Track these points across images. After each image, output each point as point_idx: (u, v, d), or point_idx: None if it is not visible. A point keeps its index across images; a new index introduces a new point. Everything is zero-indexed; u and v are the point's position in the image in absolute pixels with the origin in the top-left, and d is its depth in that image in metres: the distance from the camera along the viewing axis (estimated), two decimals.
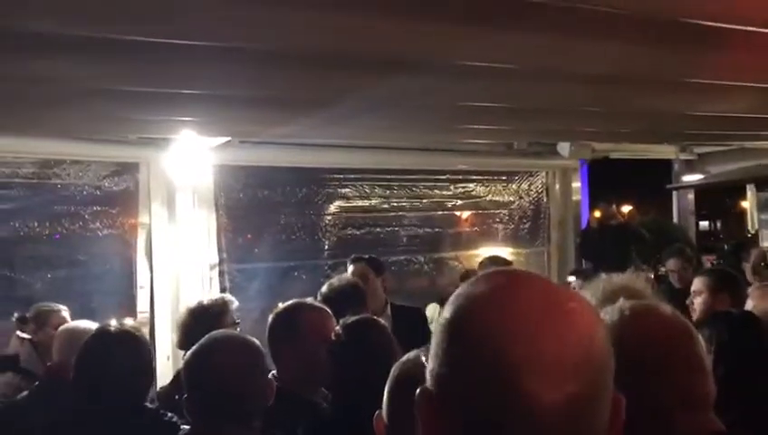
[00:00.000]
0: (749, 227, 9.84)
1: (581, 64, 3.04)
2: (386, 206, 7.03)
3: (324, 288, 3.77)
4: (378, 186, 6.93)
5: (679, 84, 3.57)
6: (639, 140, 7.09)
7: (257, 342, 2.20)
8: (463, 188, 7.38)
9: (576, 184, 7.61)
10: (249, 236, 6.40)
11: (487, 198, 7.51)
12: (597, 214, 7.86)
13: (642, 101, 4.01)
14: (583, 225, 7.61)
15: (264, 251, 6.36)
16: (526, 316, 0.81)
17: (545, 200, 7.63)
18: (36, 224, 5.35)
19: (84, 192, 5.47)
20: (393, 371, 1.54)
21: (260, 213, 6.30)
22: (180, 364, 2.69)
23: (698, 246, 8.97)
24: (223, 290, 5.38)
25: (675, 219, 8.86)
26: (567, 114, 4.45)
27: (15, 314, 3.94)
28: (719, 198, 19.24)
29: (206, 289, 5.31)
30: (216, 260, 5.56)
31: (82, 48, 2.44)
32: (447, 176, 7.28)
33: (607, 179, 9.11)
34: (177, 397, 2.51)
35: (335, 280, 3.90)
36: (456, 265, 7.35)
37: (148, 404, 2.63)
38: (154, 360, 3.30)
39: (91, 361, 2.55)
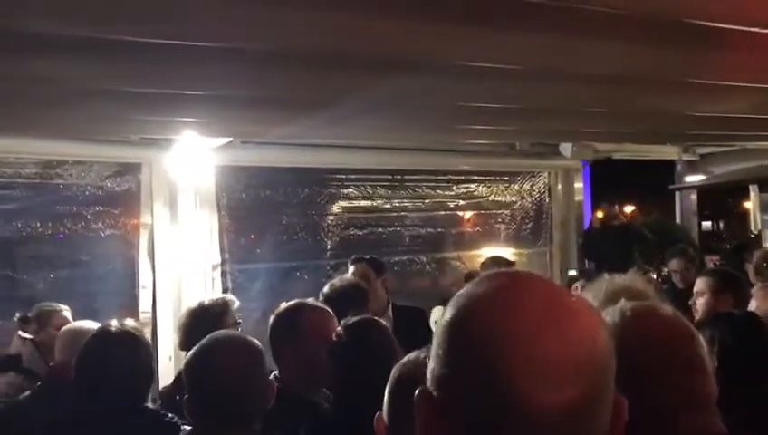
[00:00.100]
0: (752, 228, 9.82)
1: (583, 65, 3.03)
2: (388, 206, 7.03)
3: (326, 289, 3.77)
4: (380, 186, 6.93)
5: (682, 85, 3.56)
6: (642, 141, 7.08)
7: (258, 342, 2.19)
8: (465, 188, 7.39)
9: (578, 184, 7.61)
10: (251, 236, 6.40)
11: (490, 199, 7.52)
12: (599, 214, 7.86)
13: (645, 102, 4.00)
14: (586, 225, 7.60)
15: (265, 251, 6.35)
16: (528, 317, 0.80)
17: (547, 201, 7.63)
18: (39, 224, 5.35)
19: (86, 192, 5.48)
20: (394, 371, 1.53)
21: (262, 213, 6.31)
22: (182, 365, 2.68)
23: (701, 247, 8.95)
24: (225, 290, 5.39)
25: (677, 220, 8.85)
26: (569, 115, 4.44)
27: (18, 314, 3.95)
28: (722, 199, 19.25)
29: (208, 289, 5.31)
30: (219, 260, 5.57)
31: (83, 48, 2.44)
32: (450, 176, 7.29)
33: (609, 180, 9.12)
34: (178, 397, 2.51)
35: (337, 280, 3.90)
36: (458, 265, 7.35)
37: (148, 404, 2.63)
38: (155, 360, 3.29)
39: (92, 361, 2.55)
